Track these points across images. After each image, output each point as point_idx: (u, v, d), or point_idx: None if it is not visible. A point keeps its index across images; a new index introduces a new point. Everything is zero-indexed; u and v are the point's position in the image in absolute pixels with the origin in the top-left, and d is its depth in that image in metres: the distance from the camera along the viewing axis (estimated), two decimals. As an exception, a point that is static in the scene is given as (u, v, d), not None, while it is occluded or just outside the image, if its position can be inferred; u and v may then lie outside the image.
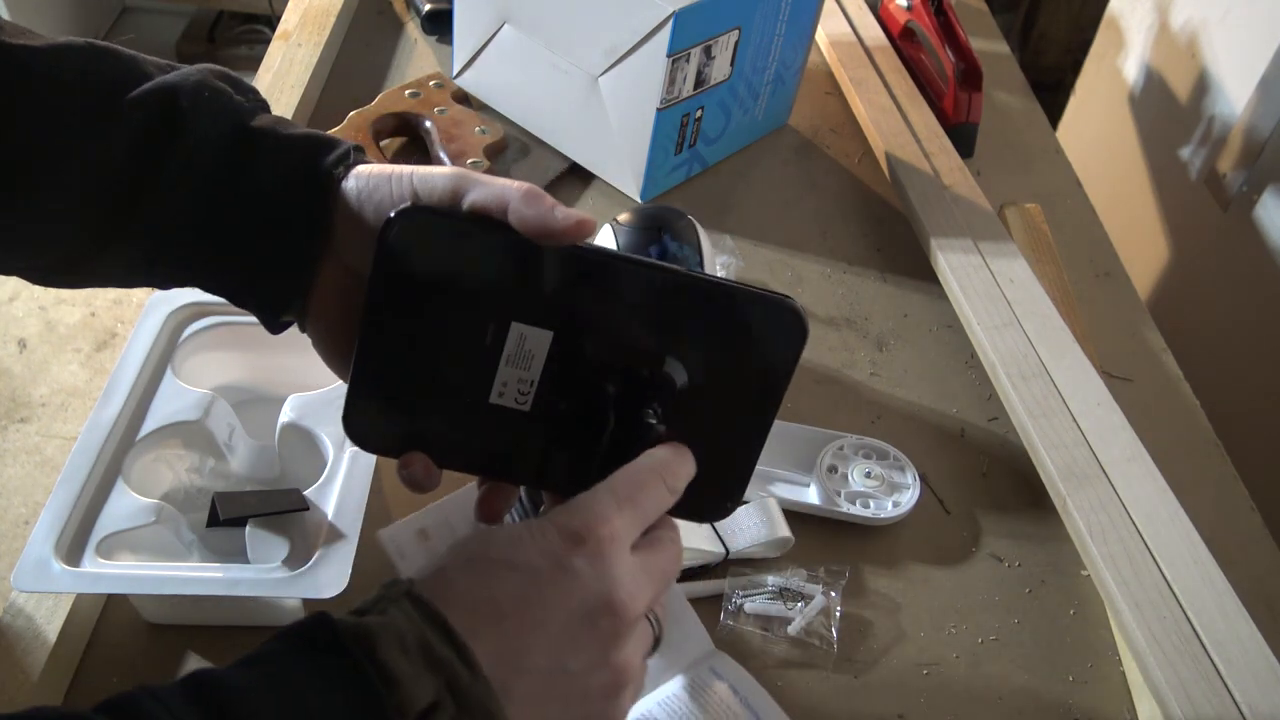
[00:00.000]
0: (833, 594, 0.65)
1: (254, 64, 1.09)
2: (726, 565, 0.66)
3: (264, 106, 0.48)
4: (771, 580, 0.65)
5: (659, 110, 0.88)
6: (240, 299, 0.47)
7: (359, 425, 0.43)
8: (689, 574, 0.66)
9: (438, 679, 0.34)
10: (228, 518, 0.59)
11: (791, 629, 0.64)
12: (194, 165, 0.45)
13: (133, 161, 0.45)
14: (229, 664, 0.34)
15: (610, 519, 0.39)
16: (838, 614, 0.64)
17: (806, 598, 0.65)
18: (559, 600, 0.37)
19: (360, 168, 0.46)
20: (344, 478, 0.61)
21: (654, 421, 0.42)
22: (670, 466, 0.42)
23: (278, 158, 0.45)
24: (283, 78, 1.02)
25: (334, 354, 0.48)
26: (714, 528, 0.67)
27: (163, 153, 0.45)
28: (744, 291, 0.41)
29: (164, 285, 0.49)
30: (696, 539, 0.65)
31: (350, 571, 0.56)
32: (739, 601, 0.64)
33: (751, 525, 0.67)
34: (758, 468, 0.72)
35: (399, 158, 0.99)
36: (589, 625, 0.37)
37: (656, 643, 0.42)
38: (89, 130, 0.44)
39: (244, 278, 0.46)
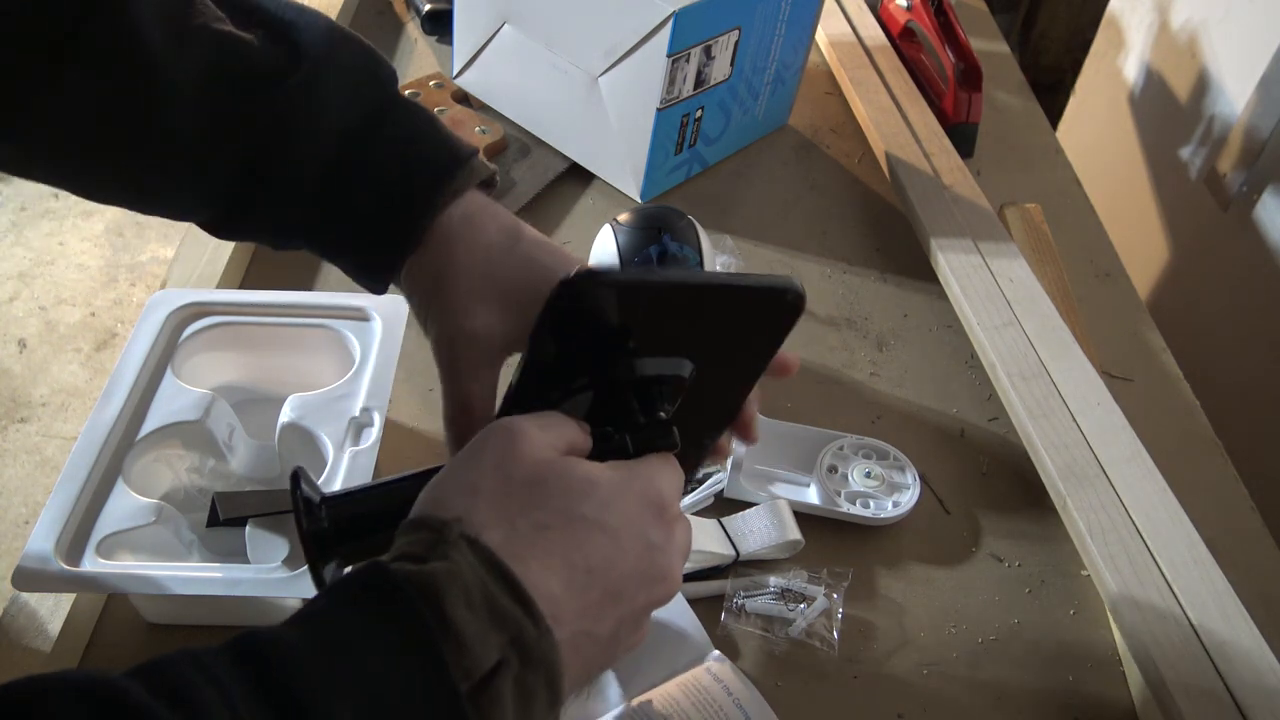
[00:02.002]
0: (835, 596, 0.65)
1: (254, 64, 1.09)
2: (735, 567, 0.66)
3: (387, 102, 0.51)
4: (774, 581, 0.65)
5: (659, 110, 0.88)
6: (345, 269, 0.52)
7: None
8: (700, 575, 0.66)
9: (503, 636, 0.32)
10: (228, 518, 0.59)
11: (793, 630, 0.64)
12: (302, 181, 0.49)
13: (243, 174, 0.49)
14: (281, 622, 0.31)
15: (678, 500, 0.40)
16: (839, 616, 0.64)
17: (808, 599, 0.65)
18: (636, 571, 0.37)
19: (472, 204, 0.49)
20: (344, 478, 0.61)
21: (664, 415, 0.44)
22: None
23: (383, 174, 0.49)
24: (283, 78, 1.02)
25: (424, 319, 0.50)
26: (725, 530, 0.67)
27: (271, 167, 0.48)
28: (754, 288, 0.43)
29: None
30: (708, 542, 0.65)
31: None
32: (740, 602, 0.64)
33: (762, 528, 0.67)
34: (758, 468, 0.73)
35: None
36: (645, 592, 0.38)
37: None
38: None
39: (344, 266, 0.52)
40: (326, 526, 0.41)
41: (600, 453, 0.42)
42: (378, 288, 0.52)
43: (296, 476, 0.41)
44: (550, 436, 0.38)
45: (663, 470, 0.40)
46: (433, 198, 0.48)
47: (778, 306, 0.43)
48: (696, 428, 0.46)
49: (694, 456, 0.49)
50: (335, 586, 0.32)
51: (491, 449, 0.37)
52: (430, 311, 0.49)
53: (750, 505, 0.69)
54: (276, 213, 0.50)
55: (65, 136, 0.46)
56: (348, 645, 0.30)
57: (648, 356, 0.43)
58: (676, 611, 0.62)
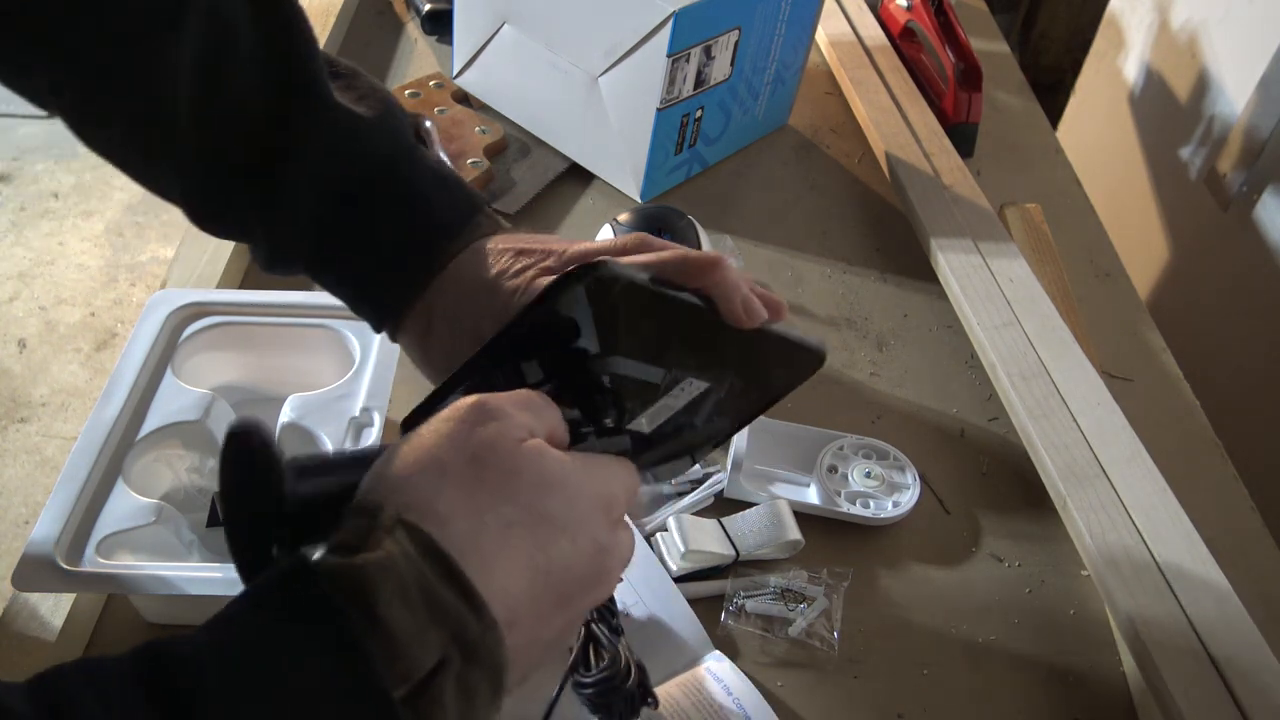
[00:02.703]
0: (835, 596, 0.65)
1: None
2: (735, 567, 0.66)
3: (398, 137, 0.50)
4: (774, 581, 0.65)
5: (659, 110, 0.88)
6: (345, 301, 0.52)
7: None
8: (700, 575, 0.66)
9: (443, 633, 0.30)
10: None
11: (793, 630, 0.64)
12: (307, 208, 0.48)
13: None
14: (197, 627, 0.29)
15: (629, 501, 0.39)
16: (839, 616, 0.64)
17: (808, 599, 0.65)
18: (586, 574, 0.36)
19: (485, 245, 0.48)
20: (344, 478, 0.61)
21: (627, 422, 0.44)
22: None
23: (393, 224, 0.48)
24: (283, 78, 1.02)
25: (422, 364, 0.50)
26: (725, 530, 0.66)
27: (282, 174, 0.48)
28: (791, 339, 0.45)
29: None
30: (708, 542, 0.65)
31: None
32: (740, 602, 0.64)
33: (762, 528, 0.67)
34: (758, 468, 0.73)
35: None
36: (589, 596, 0.37)
37: None
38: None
39: (344, 298, 0.51)
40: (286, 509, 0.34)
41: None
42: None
43: (247, 433, 0.33)
44: (532, 422, 0.36)
45: (620, 472, 0.39)
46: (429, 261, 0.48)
47: (807, 361, 0.45)
48: (672, 444, 0.47)
49: (658, 472, 0.50)
50: (255, 586, 0.29)
51: (466, 426, 0.34)
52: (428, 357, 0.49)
53: (750, 505, 0.69)
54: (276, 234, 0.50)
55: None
56: (262, 654, 0.28)
57: (632, 360, 0.42)
58: (676, 611, 0.62)
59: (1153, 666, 0.59)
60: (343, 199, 0.48)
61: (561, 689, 0.53)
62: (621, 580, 0.43)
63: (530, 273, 0.46)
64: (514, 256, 0.47)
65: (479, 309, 0.46)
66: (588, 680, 0.53)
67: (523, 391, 0.38)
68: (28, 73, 0.47)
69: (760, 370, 0.46)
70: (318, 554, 0.30)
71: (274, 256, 0.50)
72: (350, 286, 0.51)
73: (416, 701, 0.29)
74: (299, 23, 0.48)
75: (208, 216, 0.51)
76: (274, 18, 0.47)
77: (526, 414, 0.36)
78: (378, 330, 0.51)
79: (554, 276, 0.45)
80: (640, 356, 0.43)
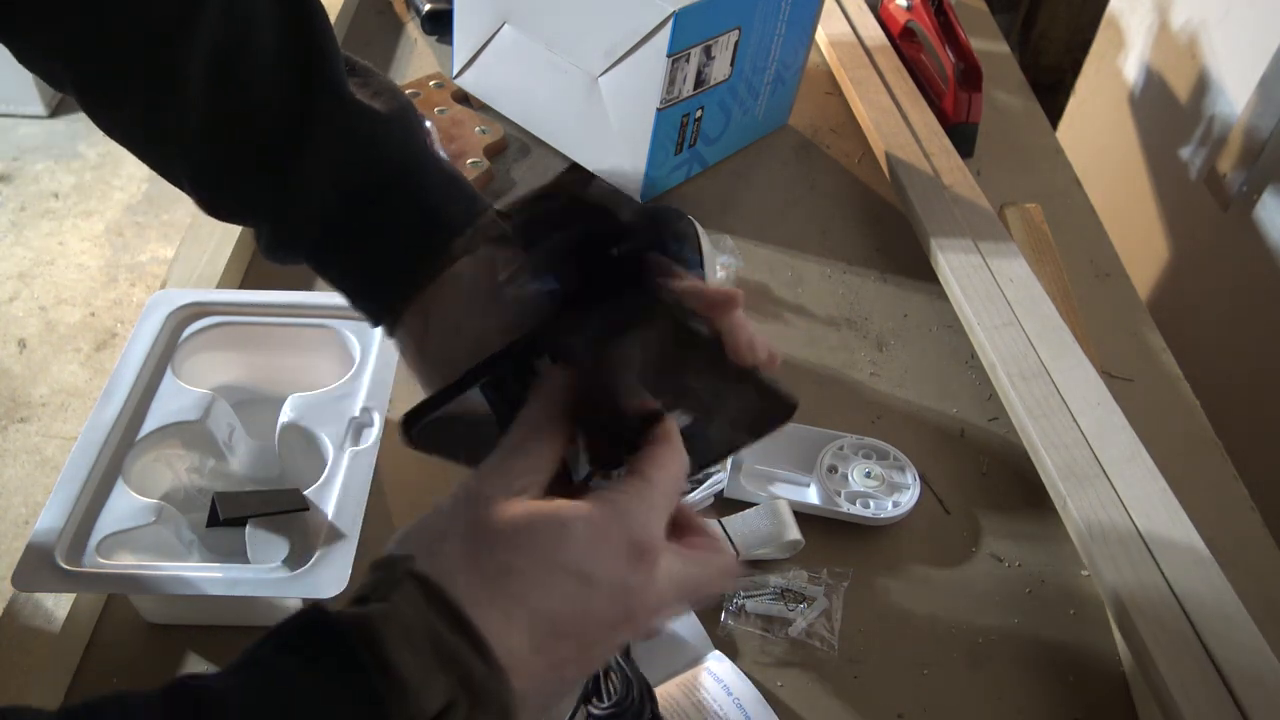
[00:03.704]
0: (835, 596, 0.65)
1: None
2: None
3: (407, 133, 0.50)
4: (774, 581, 0.65)
5: (659, 110, 0.88)
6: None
7: (421, 427, 0.44)
8: None
9: (450, 677, 0.31)
10: (228, 518, 0.59)
11: (793, 630, 0.64)
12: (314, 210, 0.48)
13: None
14: (219, 670, 0.31)
15: (662, 534, 0.38)
16: (839, 616, 0.64)
17: (808, 599, 0.65)
18: (609, 618, 0.36)
19: (491, 253, 0.48)
20: (344, 478, 0.61)
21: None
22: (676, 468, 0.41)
23: (397, 225, 0.48)
24: (283, 78, 1.02)
25: (416, 363, 0.50)
26: (725, 530, 0.67)
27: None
28: (773, 387, 0.44)
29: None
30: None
31: (350, 571, 0.56)
32: (741, 602, 0.64)
33: (762, 528, 0.67)
34: (758, 468, 0.73)
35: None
36: (616, 635, 0.37)
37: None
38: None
39: (344, 291, 0.51)
40: None
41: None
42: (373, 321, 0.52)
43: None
44: (520, 484, 0.37)
45: (643, 504, 0.38)
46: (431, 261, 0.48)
47: (780, 411, 0.45)
48: (712, 404, 0.46)
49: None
50: (276, 630, 0.31)
51: (463, 506, 0.36)
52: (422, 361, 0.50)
53: (750, 505, 0.69)
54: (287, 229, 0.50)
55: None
56: (284, 694, 0.29)
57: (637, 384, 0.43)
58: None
59: (1152, 666, 0.59)
60: (353, 193, 0.48)
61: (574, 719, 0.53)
62: (678, 613, 0.42)
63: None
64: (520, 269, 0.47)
65: (479, 314, 0.46)
66: (598, 713, 0.53)
67: (507, 455, 0.38)
68: (41, 57, 0.47)
69: (739, 415, 0.46)
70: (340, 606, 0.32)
71: (277, 244, 0.51)
72: (352, 280, 0.51)
73: None
74: (319, 17, 0.48)
75: (215, 203, 0.51)
76: (295, 10, 0.47)
77: (516, 480, 0.37)
78: (375, 325, 0.51)
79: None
80: (644, 380, 0.43)
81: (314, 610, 0.31)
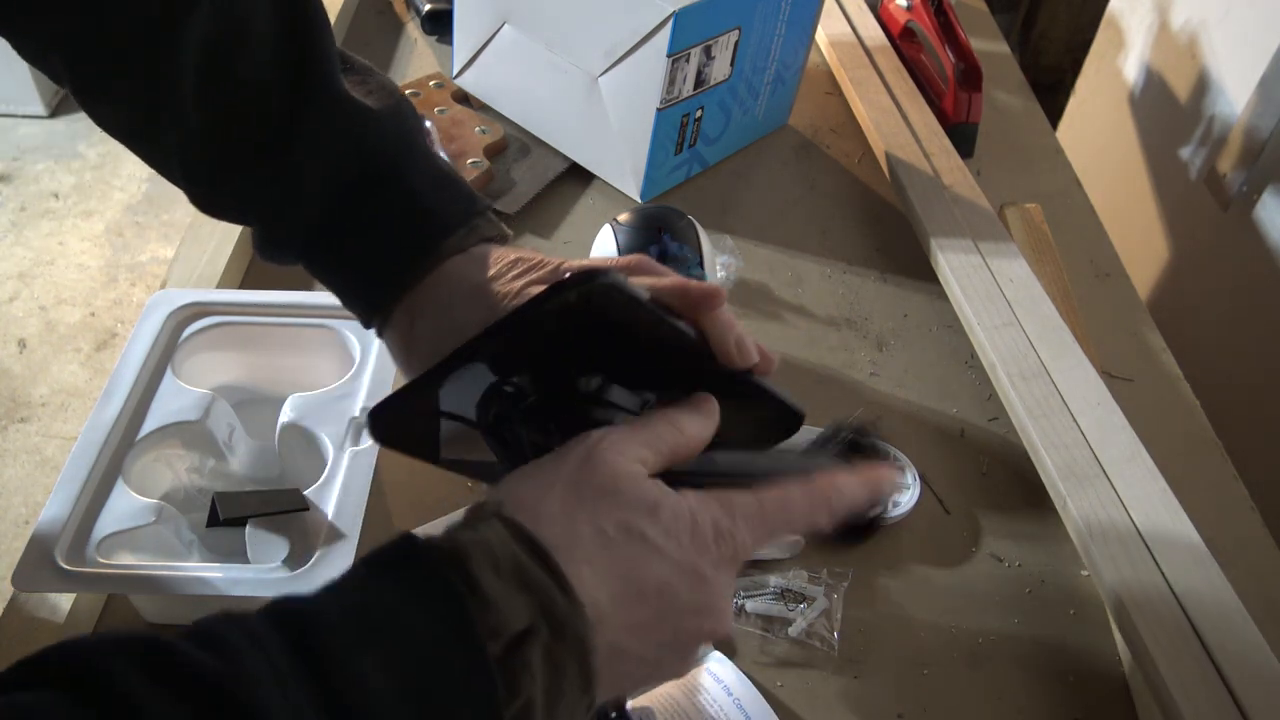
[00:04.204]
0: (835, 596, 0.65)
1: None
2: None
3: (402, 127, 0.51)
4: (774, 581, 0.65)
5: (659, 110, 0.88)
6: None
7: (386, 422, 0.44)
8: None
9: (532, 601, 0.32)
10: (228, 518, 0.59)
11: (793, 630, 0.64)
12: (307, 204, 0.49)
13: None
14: (315, 591, 0.32)
15: (737, 534, 0.39)
16: (839, 616, 0.64)
17: (808, 599, 0.65)
18: (689, 602, 0.37)
19: (481, 251, 0.48)
20: (344, 478, 0.61)
21: None
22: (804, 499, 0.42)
23: (389, 225, 0.49)
24: (283, 78, 1.02)
25: (404, 361, 0.50)
26: None
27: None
28: (773, 394, 0.45)
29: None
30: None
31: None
32: (740, 601, 0.64)
33: None
34: (758, 468, 0.72)
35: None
36: (694, 623, 0.38)
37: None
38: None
39: (334, 288, 0.52)
40: None
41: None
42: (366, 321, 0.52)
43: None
44: (636, 454, 0.38)
45: (732, 507, 0.39)
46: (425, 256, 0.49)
47: (786, 422, 0.44)
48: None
49: None
50: (366, 558, 0.33)
51: (577, 453, 0.38)
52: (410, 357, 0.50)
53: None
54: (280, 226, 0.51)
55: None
56: (375, 601, 0.31)
57: (615, 382, 0.42)
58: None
59: (1152, 666, 0.59)
60: (345, 189, 0.48)
61: None
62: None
63: (523, 280, 0.46)
64: (510, 265, 0.47)
65: (468, 312, 0.46)
66: None
67: (657, 419, 0.40)
68: (40, 53, 0.48)
69: (736, 421, 0.44)
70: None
71: (270, 242, 0.51)
72: (343, 278, 0.51)
73: (508, 661, 0.31)
74: (317, 15, 0.48)
75: (209, 199, 0.51)
76: (291, 8, 0.47)
77: (640, 443, 0.38)
78: (366, 324, 0.51)
79: (540, 289, 0.45)
80: (623, 380, 0.42)
81: (405, 536, 0.33)
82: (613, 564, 0.35)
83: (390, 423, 0.44)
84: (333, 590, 0.32)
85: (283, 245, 0.51)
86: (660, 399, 0.43)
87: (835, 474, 0.42)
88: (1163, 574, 0.63)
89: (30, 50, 0.48)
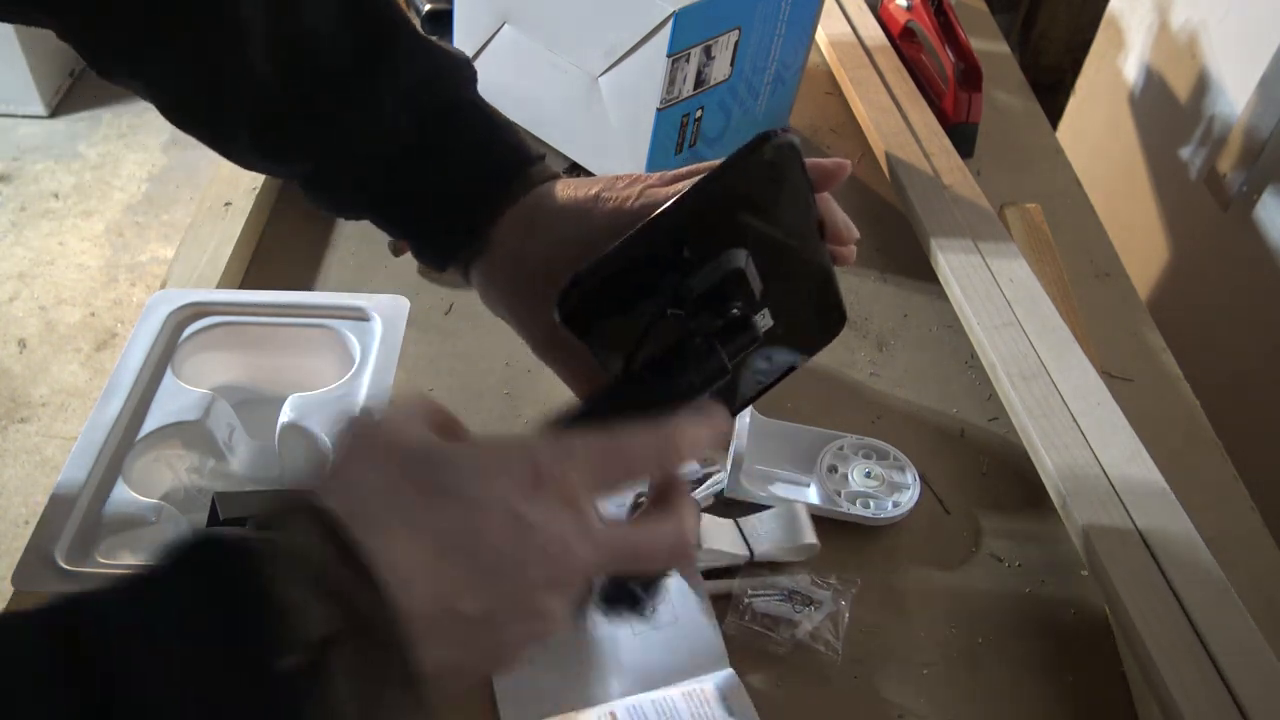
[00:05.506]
0: (843, 602, 0.65)
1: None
2: (749, 568, 0.66)
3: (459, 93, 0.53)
4: (782, 583, 0.65)
5: (659, 110, 0.88)
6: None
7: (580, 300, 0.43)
8: (711, 574, 0.65)
9: (333, 607, 0.30)
10: (228, 518, 0.59)
11: (798, 633, 0.64)
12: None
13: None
14: (109, 585, 0.31)
15: (584, 467, 0.36)
16: (846, 620, 0.64)
17: (815, 603, 0.65)
18: (506, 549, 0.34)
19: (562, 180, 0.50)
20: (344, 478, 0.61)
21: (738, 313, 0.43)
22: (680, 431, 0.40)
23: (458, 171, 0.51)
24: (283, 78, 1.02)
25: (510, 282, 0.51)
26: (740, 530, 0.66)
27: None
28: (838, 290, 0.46)
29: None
30: (722, 542, 0.65)
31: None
32: (748, 601, 0.64)
33: (778, 530, 0.66)
34: (758, 467, 0.73)
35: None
36: (521, 575, 0.35)
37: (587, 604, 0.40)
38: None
39: (419, 216, 0.53)
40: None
41: (698, 371, 0.41)
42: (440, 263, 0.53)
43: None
44: (410, 415, 0.37)
45: (559, 448, 0.37)
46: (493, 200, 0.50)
47: (772, 158, 0.42)
48: (790, 301, 0.46)
49: (803, 323, 0.49)
50: (173, 545, 0.31)
51: (355, 436, 0.36)
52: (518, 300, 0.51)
53: (750, 504, 0.69)
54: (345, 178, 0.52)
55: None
56: (158, 604, 0.30)
57: (703, 265, 0.42)
58: (699, 621, 0.62)
59: (1151, 664, 0.59)
60: (428, 118, 0.50)
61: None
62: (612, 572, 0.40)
63: (637, 187, 0.47)
64: (611, 180, 0.48)
65: (584, 222, 0.47)
66: None
67: (405, 399, 0.39)
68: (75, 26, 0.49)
69: (801, 321, 0.45)
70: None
71: (339, 182, 0.52)
72: (429, 205, 0.51)
73: (307, 673, 0.29)
74: None
75: (276, 150, 0.52)
76: None
77: (406, 412, 0.37)
78: (444, 262, 0.52)
79: (668, 189, 0.46)
80: (709, 254, 0.42)
81: (207, 532, 0.32)
82: (407, 520, 0.33)
83: (587, 294, 0.42)
84: (120, 586, 0.30)
85: (360, 185, 0.51)
86: (771, 291, 0.43)
87: (684, 421, 0.40)
88: (1163, 574, 0.63)
89: (86, 36, 0.49)
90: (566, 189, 0.50)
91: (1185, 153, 1.32)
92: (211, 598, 0.30)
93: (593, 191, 0.48)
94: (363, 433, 0.36)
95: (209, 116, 0.52)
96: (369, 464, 0.35)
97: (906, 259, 0.92)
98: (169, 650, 0.28)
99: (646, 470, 0.40)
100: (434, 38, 1.05)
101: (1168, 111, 1.37)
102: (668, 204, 0.41)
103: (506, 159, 0.51)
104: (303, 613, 0.30)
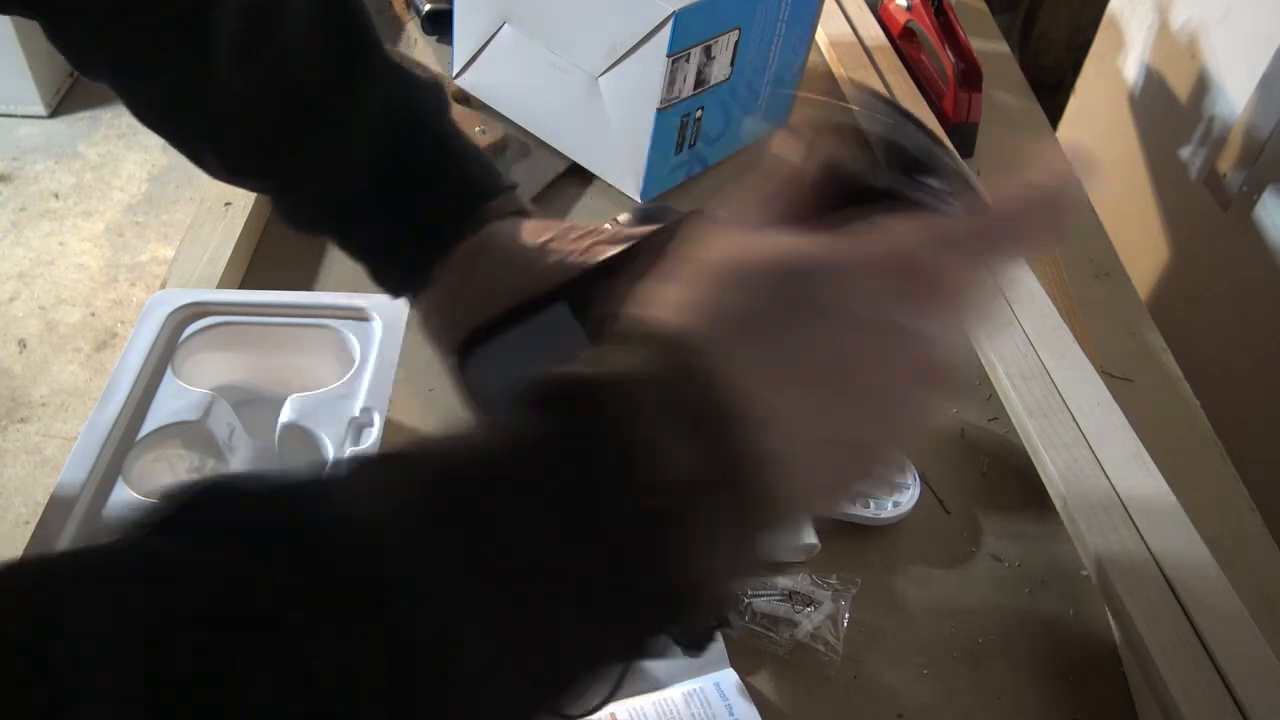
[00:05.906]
0: (843, 602, 0.65)
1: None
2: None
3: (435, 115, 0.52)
4: (782, 583, 0.65)
5: (659, 110, 0.88)
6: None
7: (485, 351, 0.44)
8: None
9: (697, 447, 0.28)
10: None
11: (798, 633, 0.64)
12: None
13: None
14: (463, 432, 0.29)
15: (947, 265, 0.31)
16: (845, 621, 0.64)
17: (815, 603, 0.65)
18: (886, 367, 0.30)
19: (523, 222, 0.50)
20: (344, 478, 0.61)
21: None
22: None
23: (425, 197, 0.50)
24: (283, 78, 1.02)
25: (440, 324, 0.50)
26: None
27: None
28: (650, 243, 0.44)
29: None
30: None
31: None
32: (747, 602, 0.64)
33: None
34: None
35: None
36: (904, 396, 0.31)
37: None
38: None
39: (374, 250, 0.53)
40: None
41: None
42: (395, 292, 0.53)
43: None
44: (756, 209, 0.33)
45: (934, 232, 0.31)
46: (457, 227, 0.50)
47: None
48: None
49: None
50: (520, 393, 0.29)
51: (689, 241, 0.32)
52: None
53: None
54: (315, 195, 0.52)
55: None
56: (532, 454, 0.28)
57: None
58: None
59: (1152, 666, 0.59)
60: (391, 149, 0.50)
61: None
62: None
63: (587, 241, 0.47)
64: (566, 229, 0.48)
65: (519, 273, 0.47)
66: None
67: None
68: (78, 29, 0.49)
69: None
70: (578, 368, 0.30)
71: (302, 204, 0.52)
72: (383, 235, 0.51)
73: (670, 513, 0.28)
74: None
75: (239, 164, 0.52)
76: None
77: (753, 206, 0.33)
78: (398, 290, 0.51)
79: (618, 247, 0.46)
80: None
81: (559, 372, 0.29)
82: (766, 343, 0.29)
83: (485, 351, 0.42)
84: (484, 438, 0.29)
85: (319, 205, 0.51)
86: None
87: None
88: (1163, 574, 0.63)
89: (64, 28, 0.48)
90: (518, 232, 0.49)
91: (1185, 153, 1.32)
92: (564, 445, 0.28)
93: (541, 240, 0.48)
94: (711, 242, 0.31)
95: (175, 122, 0.52)
96: (724, 285, 0.30)
97: (906, 259, 0.92)
98: (537, 489, 0.27)
99: (1029, 244, 0.35)
100: (433, 37, 1.04)
101: (1168, 111, 1.37)
102: (567, 277, 0.40)
103: (462, 192, 0.50)
104: (666, 452, 0.28)
